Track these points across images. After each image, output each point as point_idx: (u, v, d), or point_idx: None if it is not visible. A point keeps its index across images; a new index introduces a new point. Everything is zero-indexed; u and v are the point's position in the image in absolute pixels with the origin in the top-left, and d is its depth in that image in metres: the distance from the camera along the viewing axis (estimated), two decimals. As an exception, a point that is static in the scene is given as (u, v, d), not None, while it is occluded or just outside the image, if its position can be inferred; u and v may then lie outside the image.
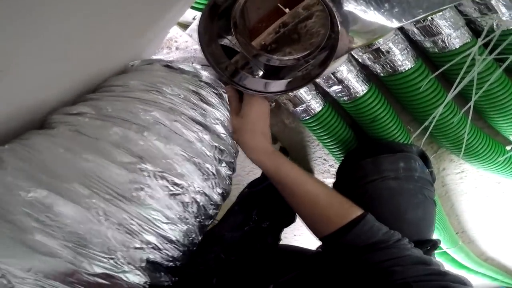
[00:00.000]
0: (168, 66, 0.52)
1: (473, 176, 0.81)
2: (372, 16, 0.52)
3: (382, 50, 0.56)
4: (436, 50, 0.56)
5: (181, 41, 0.62)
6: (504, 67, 0.50)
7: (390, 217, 0.56)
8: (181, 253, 0.48)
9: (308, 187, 0.53)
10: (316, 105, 0.70)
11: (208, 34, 0.59)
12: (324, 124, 0.72)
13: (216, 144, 0.51)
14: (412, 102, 0.63)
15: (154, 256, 0.44)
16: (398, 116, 0.70)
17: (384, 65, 0.59)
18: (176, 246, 0.47)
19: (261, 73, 0.71)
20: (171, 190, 0.45)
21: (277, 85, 0.61)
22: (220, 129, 0.52)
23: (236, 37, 0.66)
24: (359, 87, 0.64)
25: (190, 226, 0.48)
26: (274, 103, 0.78)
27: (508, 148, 0.72)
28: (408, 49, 0.57)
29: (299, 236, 1.14)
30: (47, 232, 0.36)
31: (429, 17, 0.50)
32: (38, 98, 0.42)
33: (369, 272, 0.46)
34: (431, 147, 0.77)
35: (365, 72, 0.66)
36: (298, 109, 0.71)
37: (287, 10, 0.71)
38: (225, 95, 0.55)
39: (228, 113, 0.55)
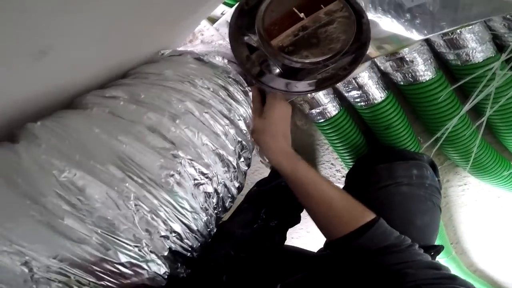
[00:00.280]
0: (199, 59, 0.52)
1: (475, 189, 0.84)
2: (390, 24, 0.53)
3: (407, 59, 0.58)
4: (459, 63, 0.57)
5: (207, 35, 0.62)
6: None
7: (399, 221, 0.57)
8: (199, 244, 0.48)
9: (324, 189, 0.54)
10: (332, 108, 0.71)
11: (236, 36, 0.59)
12: (338, 128, 0.72)
13: (239, 139, 0.51)
14: (427, 112, 0.65)
15: (175, 245, 0.44)
16: (411, 125, 0.72)
17: (406, 74, 0.60)
18: (196, 236, 0.47)
19: (278, 71, 0.72)
20: (197, 179, 0.45)
21: (302, 86, 0.61)
22: (242, 125, 0.53)
23: (260, 38, 0.66)
24: (378, 94, 0.65)
25: (210, 217, 0.48)
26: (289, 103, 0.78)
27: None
28: (431, 60, 0.59)
29: (296, 239, 1.15)
30: (78, 216, 0.36)
31: (458, 30, 0.52)
32: (71, 78, 0.42)
33: (381, 274, 0.46)
34: (438, 159, 0.79)
35: (385, 79, 0.67)
36: (314, 111, 0.72)
37: (302, 15, 0.72)
38: (250, 93, 0.56)
39: (250, 111, 0.55)
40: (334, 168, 0.88)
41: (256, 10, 0.63)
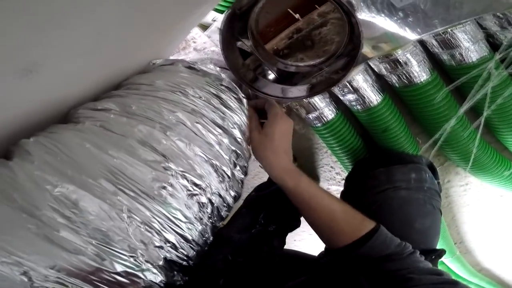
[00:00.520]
0: (191, 67, 0.52)
1: (477, 189, 0.83)
2: (383, 22, 0.53)
3: (400, 61, 0.57)
4: (453, 63, 0.57)
5: (199, 42, 0.62)
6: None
7: (399, 225, 0.58)
8: (195, 253, 0.48)
9: (325, 203, 0.54)
10: (328, 112, 0.70)
11: (228, 43, 0.59)
12: (335, 132, 0.72)
13: (233, 148, 0.51)
14: (424, 113, 0.64)
15: (171, 255, 0.44)
16: (408, 127, 0.71)
17: (401, 76, 0.60)
18: (191, 245, 0.47)
19: (273, 76, 0.72)
20: (190, 190, 0.45)
21: (297, 91, 0.61)
22: (237, 133, 0.52)
23: (253, 42, 0.67)
24: (374, 97, 0.65)
25: (204, 226, 0.49)
26: (285, 108, 0.78)
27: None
28: (425, 61, 0.59)
29: (299, 241, 1.15)
30: (72, 228, 0.36)
31: (450, 30, 0.51)
32: (63, 92, 0.42)
33: (385, 279, 0.47)
34: (438, 159, 0.79)
35: (380, 82, 0.67)
36: (311, 115, 0.72)
37: (297, 15, 0.72)
38: (244, 100, 0.56)
39: (245, 118, 0.55)
40: (334, 171, 0.88)
41: (248, 14, 0.63)
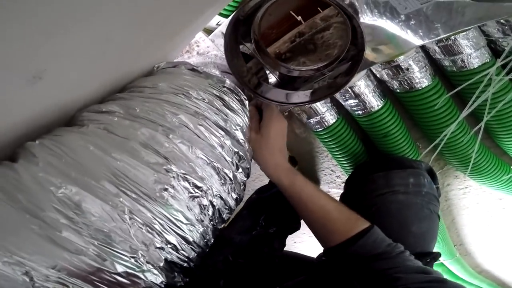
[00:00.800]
0: (194, 69, 0.53)
1: (476, 192, 0.83)
2: (386, 26, 0.53)
3: (402, 67, 0.58)
4: (454, 69, 0.57)
5: (203, 46, 0.63)
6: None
7: (396, 229, 0.58)
8: (196, 254, 0.48)
9: (321, 202, 0.55)
10: (330, 117, 0.71)
11: (232, 49, 0.60)
12: (337, 136, 0.73)
13: (236, 150, 0.52)
14: (425, 119, 0.65)
15: (172, 256, 0.45)
16: (409, 132, 0.72)
17: (402, 82, 0.60)
18: (192, 247, 0.47)
19: (274, 80, 0.72)
20: (191, 193, 0.45)
21: (300, 96, 0.62)
22: (240, 135, 0.53)
23: (255, 46, 0.67)
24: (375, 102, 0.65)
25: (206, 228, 0.49)
26: (287, 112, 0.79)
27: (513, 167, 0.74)
28: (427, 67, 0.59)
29: (299, 243, 1.15)
30: (75, 229, 0.37)
31: (452, 37, 0.52)
32: (71, 96, 0.43)
33: (374, 278, 0.47)
34: (438, 164, 0.79)
35: (381, 87, 0.67)
36: (312, 120, 0.72)
37: (299, 18, 0.72)
38: (246, 102, 0.56)
39: (247, 120, 0.56)
40: (334, 174, 0.89)
41: (252, 17, 0.64)
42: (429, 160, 0.68)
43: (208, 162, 0.47)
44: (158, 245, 0.42)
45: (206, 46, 0.62)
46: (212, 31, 0.62)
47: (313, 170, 0.90)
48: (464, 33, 0.52)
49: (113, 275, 0.39)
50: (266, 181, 0.86)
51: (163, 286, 0.44)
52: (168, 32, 0.48)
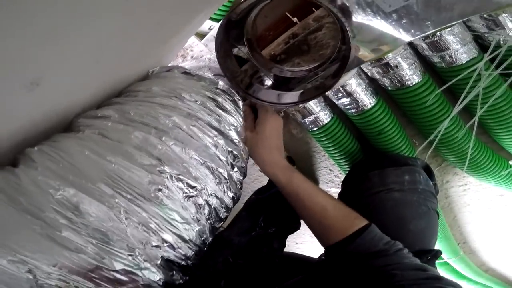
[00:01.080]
0: (186, 73, 0.54)
1: (476, 189, 0.83)
2: (378, 24, 0.54)
3: (391, 64, 0.59)
4: (444, 65, 0.58)
5: (196, 50, 0.64)
6: (509, 82, 0.51)
7: (394, 227, 0.58)
8: (193, 253, 0.50)
9: (318, 199, 0.55)
10: (324, 116, 0.72)
11: (224, 49, 0.61)
12: (332, 135, 0.74)
13: (230, 149, 0.53)
14: (418, 115, 0.65)
15: (169, 254, 0.46)
16: (404, 129, 0.72)
17: (392, 79, 0.61)
18: (189, 245, 0.49)
19: (270, 82, 0.74)
20: (186, 192, 0.47)
21: (291, 96, 0.63)
22: (234, 134, 0.54)
23: (249, 49, 0.68)
24: (367, 100, 0.66)
25: (202, 227, 0.50)
26: (282, 113, 0.80)
27: (511, 162, 0.74)
28: (416, 64, 0.60)
29: (301, 244, 1.16)
30: (74, 228, 0.39)
31: (438, 33, 0.52)
32: (68, 102, 0.45)
33: (371, 275, 0.48)
34: (436, 160, 0.79)
35: (373, 85, 0.68)
36: (307, 120, 0.73)
37: (295, 19, 0.73)
38: (240, 102, 0.57)
39: (241, 120, 0.57)
40: (333, 174, 0.89)
41: (244, 20, 0.65)
42: (425, 157, 0.68)
43: (202, 162, 0.49)
44: (154, 244, 0.44)
45: (200, 50, 0.64)
46: (205, 36, 0.64)
47: (311, 170, 0.91)
48: (449, 29, 0.52)
49: (112, 272, 0.41)
50: (265, 182, 0.88)
51: (161, 283, 0.46)
52: (160, 37, 0.50)
